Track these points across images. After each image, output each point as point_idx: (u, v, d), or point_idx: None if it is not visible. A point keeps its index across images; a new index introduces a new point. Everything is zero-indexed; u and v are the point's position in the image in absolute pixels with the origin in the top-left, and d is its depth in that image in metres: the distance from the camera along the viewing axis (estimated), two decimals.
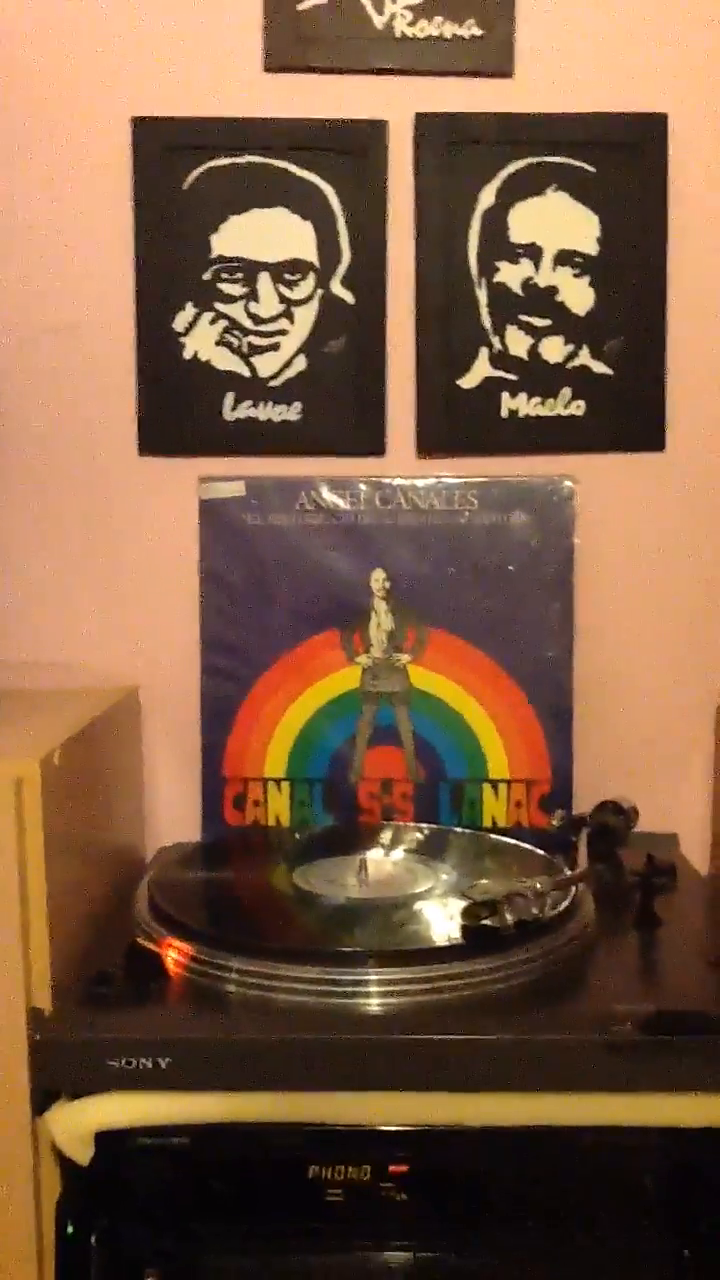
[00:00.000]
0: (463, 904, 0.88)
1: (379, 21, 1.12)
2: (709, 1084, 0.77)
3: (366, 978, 0.82)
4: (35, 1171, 0.83)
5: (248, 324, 1.15)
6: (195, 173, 1.13)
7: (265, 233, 1.14)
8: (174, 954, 0.86)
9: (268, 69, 1.13)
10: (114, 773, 1.07)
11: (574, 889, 0.94)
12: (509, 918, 0.86)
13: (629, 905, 0.97)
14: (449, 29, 1.12)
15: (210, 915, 0.95)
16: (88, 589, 1.18)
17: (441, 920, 0.89)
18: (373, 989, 0.81)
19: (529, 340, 1.16)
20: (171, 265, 1.14)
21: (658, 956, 0.91)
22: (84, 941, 0.92)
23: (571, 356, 1.16)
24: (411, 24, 1.12)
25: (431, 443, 1.17)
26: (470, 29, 1.12)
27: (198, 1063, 0.78)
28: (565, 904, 0.91)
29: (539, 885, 0.89)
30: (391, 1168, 0.78)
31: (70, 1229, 0.78)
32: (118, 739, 1.09)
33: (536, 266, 1.16)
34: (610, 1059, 0.77)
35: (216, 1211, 0.79)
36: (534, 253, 1.15)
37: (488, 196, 1.15)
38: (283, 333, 1.15)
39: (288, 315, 1.15)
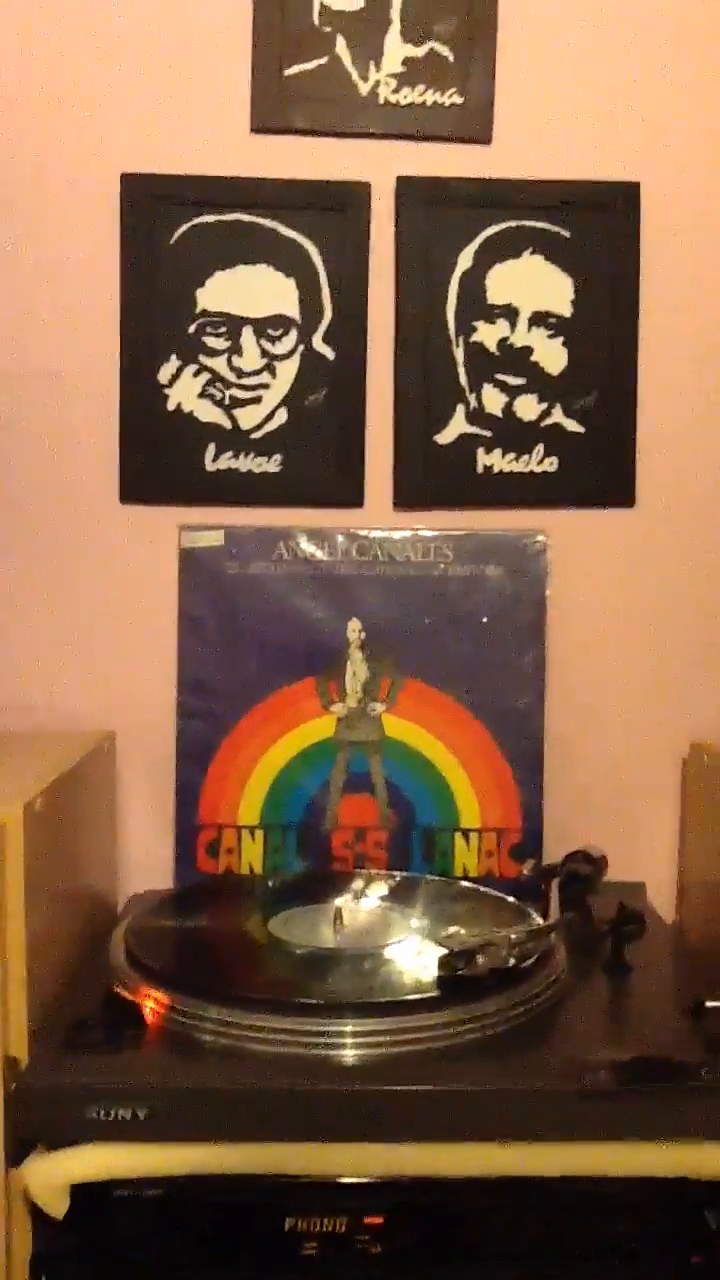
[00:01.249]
0: (437, 953, 0.88)
1: (364, 88, 1.15)
2: (684, 1132, 0.78)
3: (343, 1028, 0.82)
4: (7, 1225, 0.82)
5: (230, 377, 1.17)
6: (182, 229, 1.15)
7: (249, 288, 1.16)
8: (151, 1003, 0.86)
9: (255, 130, 1.15)
10: (89, 818, 1.07)
11: (547, 938, 0.95)
12: (484, 967, 0.87)
13: (600, 953, 0.99)
14: (431, 96, 1.16)
15: (187, 964, 0.95)
16: (67, 633, 1.18)
17: (416, 970, 0.90)
18: (348, 1039, 0.82)
19: (504, 398, 1.19)
20: (157, 318, 1.16)
21: (630, 1004, 0.92)
22: (60, 989, 0.91)
23: (545, 415, 1.19)
24: (395, 90, 1.16)
25: (409, 496, 1.19)
26: (451, 97, 1.16)
27: (175, 1113, 0.77)
28: (539, 953, 0.92)
29: (513, 935, 0.90)
30: (367, 1219, 0.79)
31: None
32: (94, 784, 1.09)
33: (512, 327, 1.18)
34: (585, 1107, 0.78)
35: (193, 1264, 0.79)
36: (510, 313, 1.18)
37: (466, 258, 1.18)
38: (265, 386, 1.17)
39: (270, 369, 1.17)
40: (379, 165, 1.16)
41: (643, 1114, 0.78)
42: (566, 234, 1.18)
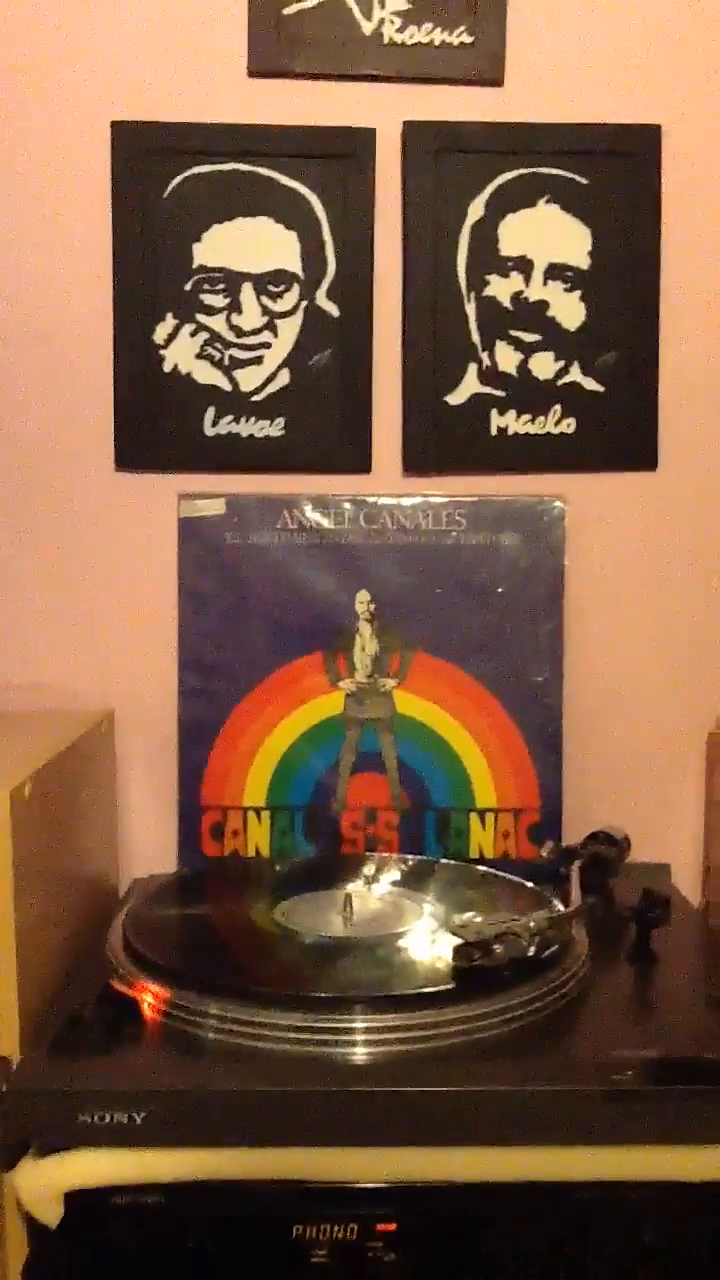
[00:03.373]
0: (452, 942, 0.84)
1: (367, 27, 1.09)
2: (716, 1135, 0.74)
3: (353, 1024, 0.77)
4: (1, 1230, 0.78)
5: (230, 336, 1.11)
6: (176, 180, 1.10)
7: (248, 242, 1.11)
8: (149, 998, 0.82)
9: (252, 73, 1.10)
10: (87, 801, 1.03)
11: (569, 925, 0.90)
12: (502, 957, 0.83)
13: (623, 940, 0.94)
14: (438, 36, 1.10)
15: (187, 956, 0.91)
16: (62, 609, 1.14)
17: (430, 960, 0.85)
18: (359, 1036, 0.77)
19: (519, 356, 1.13)
20: (151, 275, 1.10)
21: (656, 996, 0.88)
22: (55, 981, 0.88)
23: (562, 373, 1.13)
24: (400, 30, 1.09)
25: (418, 461, 1.13)
26: (460, 36, 1.10)
27: (174, 1116, 0.73)
28: (560, 942, 0.87)
29: (533, 923, 0.85)
30: (379, 1226, 0.74)
31: None
32: (91, 765, 1.05)
33: (527, 280, 1.13)
34: (610, 1109, 0.73)
35: (194, 1275, 0.75)
36: (524, 266, 1.12)
37: (477, 208, 1.12)
38: (266, 346, 1.12)
39: (271, 328, 1.12)
40: (384, 110, 1.11)
41: (671, 1116, 0.74)
42: (584, 181, 1.12)
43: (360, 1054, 0.77)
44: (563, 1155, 0.74)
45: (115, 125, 1.09)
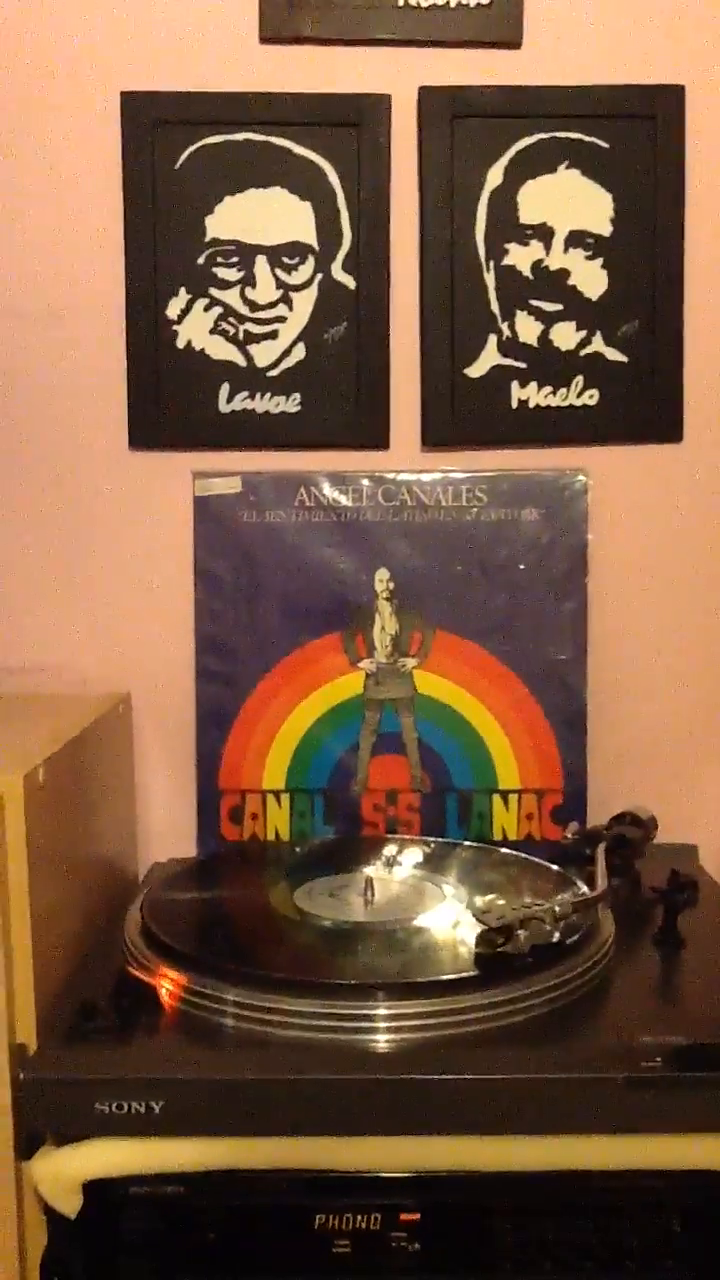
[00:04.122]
0: (475, 928, 0.82)
1: None
2: None
3: (374, 1011, 0.76)
4: (19, 1220, 0.77)
5: (244, 310, 1.09)
6: (188, 150, 1.08)
7: (262, 214, 1.08)
8: (167, 984, 0.80)
9: (264, 40, 1.07)
10: (104, 785, 1.01)
11: (595, 909, 0.88)
12: (526, 942, 0.81)
13: (650, 924, 0.92)
14: None
15: (206, 942, 0.90)
16: (75, 590, 1.12)
17: (453, 946, 0.84)
18: (380, 1024, 0.76)
19: (539, 326, 1.10)
20: (164, 248, 1.08)
21: (683, 981, 0.86)
22: (73, 968, 0.86)
23: (584, 343, 1.11)
24: None
25: (437, 435, 1.11)
26: None
27: (193, 1105, 0.72)
28: (585, 926, 0.85)
29: (557, 907, 0.84)
30: (403, 1216, 0.73)
31: None
32: (108, 749, 1.04)
33: (547, 248, 1.10)
34: (636, 1097, 0.72)
35: (214, 1265, 0.74)
36: (544, 234, 1.10)
37: (496, 174, 1.09)
38: (281, 320, 1.09)
39: (286, 301, 1.09)
40: (399, 75, 1.08)
41: (698, 1104, 0.72)
42: (605, 145, 1.09)
43: (382, 1041, 0.75)
44: (588, 1144, 0.73)
45: (125, 95, 1.07)
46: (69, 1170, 0.72)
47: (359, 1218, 0.73)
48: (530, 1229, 0.74)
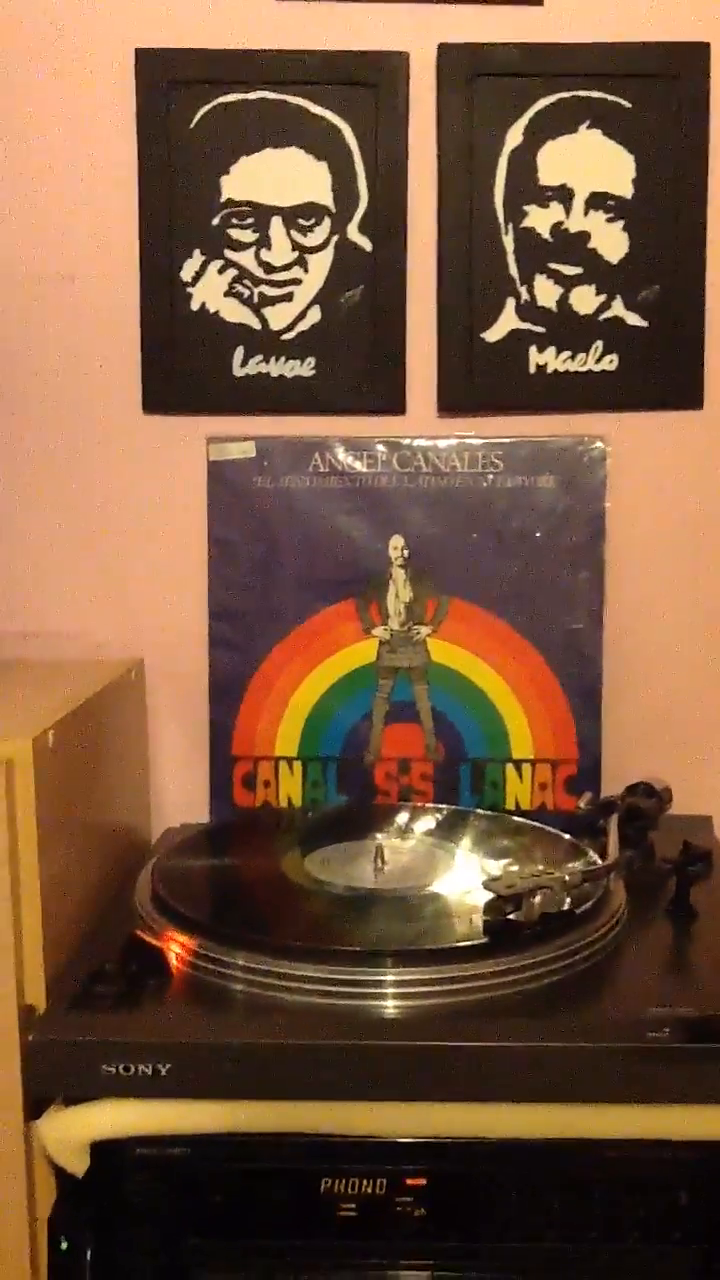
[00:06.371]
0: (485, 896, 0.82)
1: None
2: None
3: (383, 978, 0.76)
4: (29, 1179, 0.78)
5: (259, 273, 1.08)
6: (203, 110, 1.06)
7: (278, 174, 1.07)
8: (176, 949, 0.80)
9: None
10: (116, 751, 1.01)
11: (606, 878, 0.87)
12: (536, 911, 0.80)
13: (662, 895, 0.91)
14: None
15: (215, 907, 0.90)
16: (88, 555, 1.12)
17: (463, 913, 0.83)
18: (389, 990, 0.76)
19: (559, 290, 1.09)
20: (178, 209, 1.07)
21: (695, 953, 0.85)
22: (83, 932, 0.87)
23: (604, 307, 1.09)
24: None
25: (454, 401, 1.10)
26: None
27: (200, 1068, 0.72)
28: (596, 896, 0.85)
29: (568, 876, 0.83)
30: (409, 1181, 0.73)
31: (64, 1244, 0.73)
32: (120, 715, 1.03)
33: (567, 210, 1.08)
34: (645, 1067, 0.72)
35: (219, 1227, 0.74)
36: (564, 195, 1.08)
37: (515, 134, 1.07)
38: (296, 282, 1.08)
39: (301, 263, 1.08)
40: (417, 32, 1.06)
41: (706, 1076, 0.71)
42: (627, 104, 1.07)
43: (390, 1008, 0.75)
44: (594, 1113, 0.72)
45: (140, 53, 1.05)
46: (75, 1130, 0.73)
47: (364, 1183, 0.73)
48: (535, 1197, 0.74)
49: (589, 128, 1.07)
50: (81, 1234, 0.73)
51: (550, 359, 1.09)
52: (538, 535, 1.08)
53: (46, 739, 0.80)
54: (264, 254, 1.08)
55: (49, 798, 0.80)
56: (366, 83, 1.06)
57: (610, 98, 1.07)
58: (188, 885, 0.90)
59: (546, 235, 1.08)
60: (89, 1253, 0.73)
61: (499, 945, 0.79)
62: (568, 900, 0.82)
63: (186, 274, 1.08)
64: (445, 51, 1.06)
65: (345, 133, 1.07)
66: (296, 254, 1.08)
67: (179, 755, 1.13)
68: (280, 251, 1.08)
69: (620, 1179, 0.73)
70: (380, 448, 1.09)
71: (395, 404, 1.10)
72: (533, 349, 1.09)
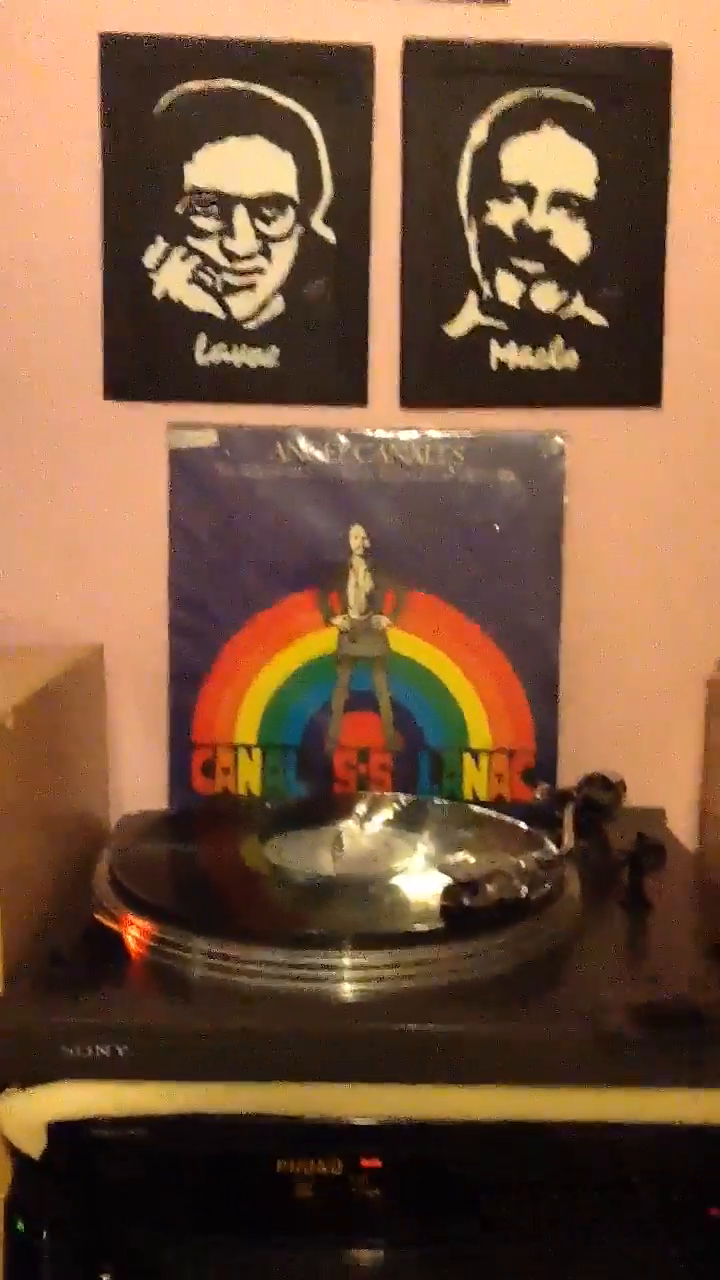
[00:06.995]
0: (443, 882, 0.82)
1: None
2: (703, 1079, 0.73)
3: (340, 962, 0.77)
4: None
5: (222, 261, 1.08)
6: (168, 96, 1.06)
7: (242, 163, 1.07)
8: (134, 933, 0.81)
9: None
10: (75, 736, 1.01)
11: (561, 867, 0.89)
12: (492, 898, 0.81)
13: (616, 885, 0.93)
14: None
15: (174, 892, 0.90)
16: (49, 541, 1.11)
17: (420, 899, 0.84)
18: (346, 974, 0.76)
19: (521, 286, 1.10)
20: (142, 196, 1.07)
21: (648, 941, 0.87)
22: (40, 917, 0.86)
23: (565, 305, 1.10)
24: None
25: (416, 393, 1.10)
26: None
27: (158, 1051, 0.72)
28: (551, 884, 0.86)
29: (524, 864, 0.84)
30: (364, 1162, 0.74)
31: (20, 1225, 0.73)
32: (79, 700, 1.03)
33: (530, 208, 1.09)
34: (598, 1052, 0.73)
35: (177, 1207, 0.74)
36: (527, 193, 1.09)
37: (479, 131, 1.08)
38: (259, 271, 1.08)
39: (265, 253, 1.08)
40: (384, 26, 1.06)
41: (660, 1060, 0.73)
42: (590, 105, 1.08)
43: (347, 991, 0.76)
44: (549, 1096, 0.73)
45: (104, 38, 1.05)
46: (32, 1111, 0.73)
47: (321, 1163, 0.74)
48: (489, 1178, 0.75)
49: (552, 126, 1.08)
50: (38, 1215, 0.73)
51: (512, 355, 1.10)
52: (497, 529, 1.09)
53: (6, 722, 0.80)
54: (227, 243, 1.08)
55: (8, 781, 0.80)
56: (332, 74, 1.06)
57: (574, 98, 1.08)
58: (147, 870, 0.90)
59: (509, 232, 1.09)
60: (44, 1234, 0.73)
61: (456, 931, 0.79)
62: (524, 888, 0.83)
63: (150, 260, 1.08)
64: (411, 46, 1.06)
65: (310, 124, 1.07)
66: (260, 243, 1.08)
67: (138, 742, 1.13)
68: (244, 240, 1.08)
69: (573, 1161, 0.74)
70: (342, 439, 1.09)
71: (358, 395, 1.10)
72: (494, 343, 1.10)
